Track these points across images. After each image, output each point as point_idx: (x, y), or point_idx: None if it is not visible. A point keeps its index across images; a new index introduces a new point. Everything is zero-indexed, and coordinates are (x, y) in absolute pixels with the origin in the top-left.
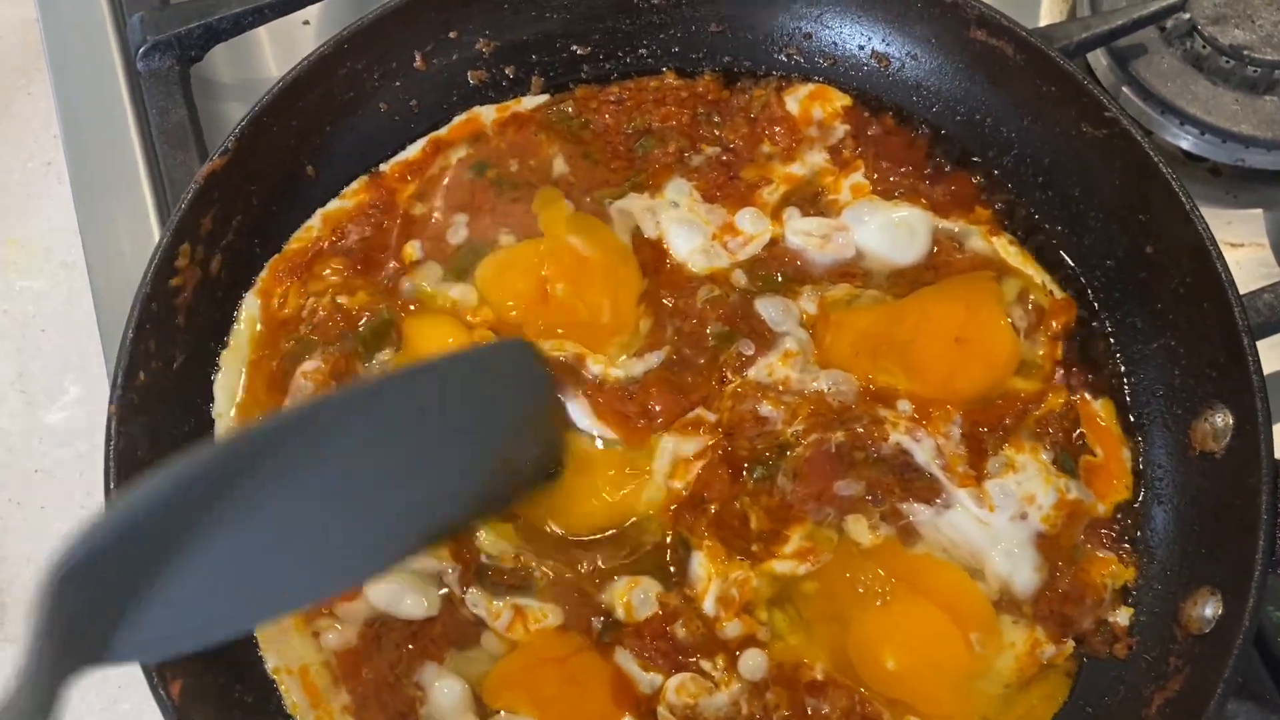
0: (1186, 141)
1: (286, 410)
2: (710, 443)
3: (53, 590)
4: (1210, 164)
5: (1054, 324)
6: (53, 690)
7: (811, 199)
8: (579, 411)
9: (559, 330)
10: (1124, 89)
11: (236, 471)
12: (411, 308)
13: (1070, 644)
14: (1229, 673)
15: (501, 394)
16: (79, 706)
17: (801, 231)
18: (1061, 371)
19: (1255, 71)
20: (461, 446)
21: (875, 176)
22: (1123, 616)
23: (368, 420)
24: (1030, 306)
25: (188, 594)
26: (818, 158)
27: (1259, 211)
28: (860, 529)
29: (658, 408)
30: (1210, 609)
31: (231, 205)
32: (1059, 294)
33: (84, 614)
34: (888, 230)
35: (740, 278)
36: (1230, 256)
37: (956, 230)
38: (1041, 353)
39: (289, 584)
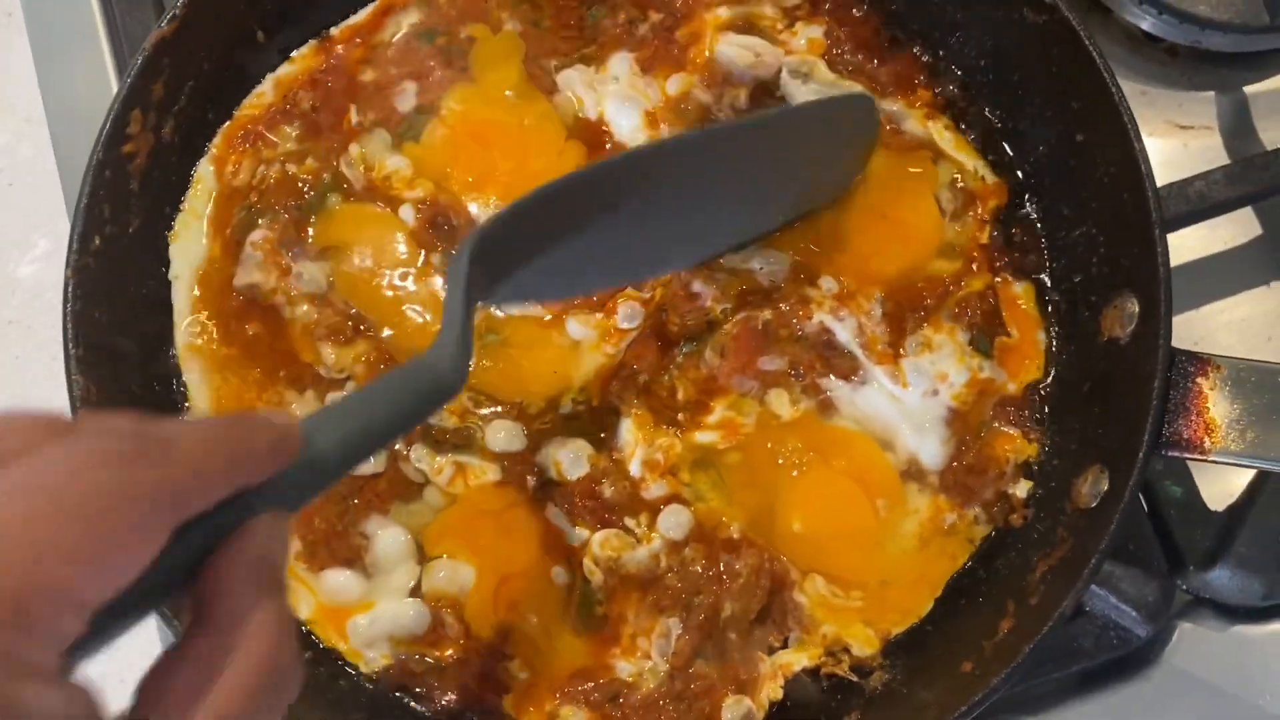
0: (1146, 21)
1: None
2: (641, 318)
3: (471, 252)
4: (1167, 44)
5: (983, 207)
6: (472, 341)
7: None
8: None
9: (502, 204)
10: None
11: (612, 182)
12: (351, 179)
13: (971, 511)
14: (1105, 544)
15: (836, 135)
16: None
17: (736, 44)
18: (986, 254)
19: None
20: (800, 175)
21: (829, 43)
22: (1021, 489)
23: (722, 155)
24: (960, 190)
25: (551, 267)
26: (767, 9)
27: (1212, 94)
28: (781, 402)
29: None
30: (1099, 485)
31: (182, 71)
32: (990, 178)
33: (485, 269)
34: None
35: None
36: (1179, 140)
37: (894, 110)
38: (968, 236)
39: (626, 269)
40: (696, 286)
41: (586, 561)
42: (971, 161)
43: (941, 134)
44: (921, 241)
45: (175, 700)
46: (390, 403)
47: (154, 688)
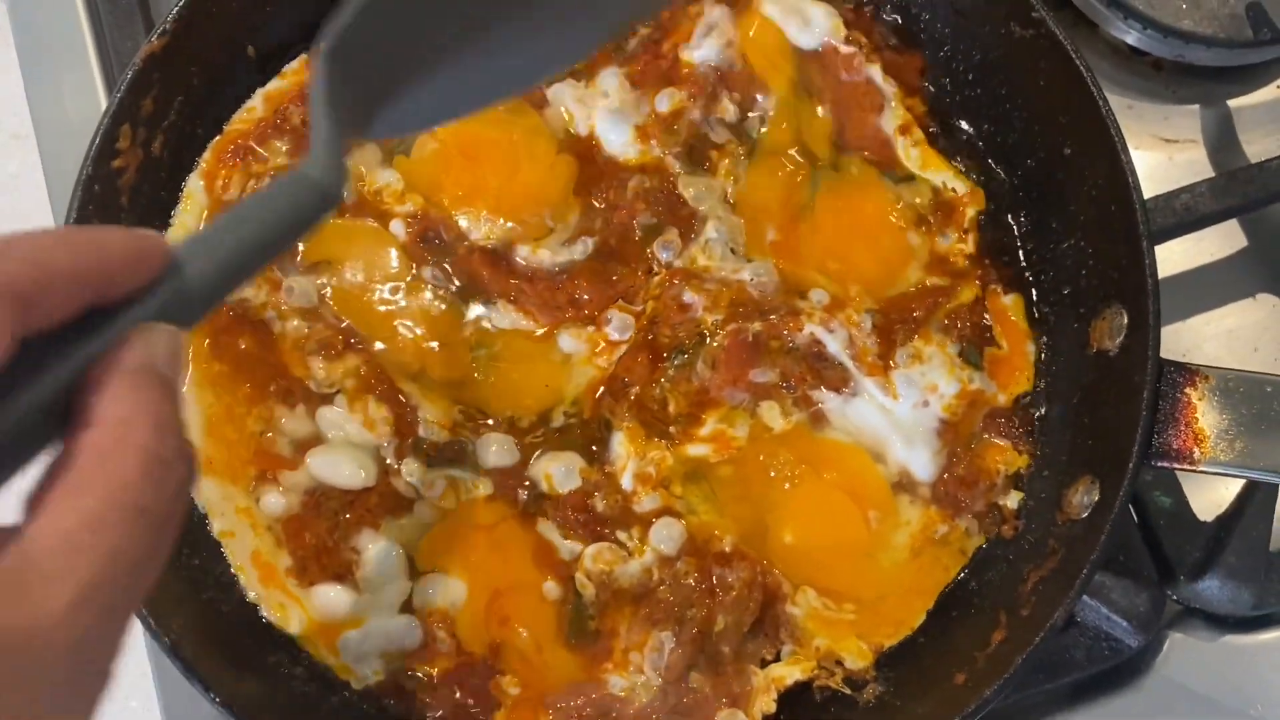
0: (1131, 36)
1: None
2: (633, 330)
3: (325, 61)
4: (1152, 58)
5: (963, 217)
6: (340, 148)
7: None
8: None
9: (492, 218)
10: None
11: None
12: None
13: (962, 523)
14: (1096, 554)
15: None
16: None
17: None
18: (974, 265)
19: None
20: None
21: None
22: (1012, 500)
23: None
24: (937, 202)
25: (420, 84)
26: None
27: (1196, 108)
28: (773, 414)
29: (585, 297)
30: (1089, 496)
31: (172, 87)
32: (963, 187)
33: (347, 93)
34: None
35: (673, 164)
36: (1164, 153)
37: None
38: (953, 246)
39: (486, 89)
40: (687, 297)
41: (578, 575)
42: (940, 176)
43: (908, 152)
44: (894, 258)
45: (49, 502)
46: (267, 216)
47: (36, 494)
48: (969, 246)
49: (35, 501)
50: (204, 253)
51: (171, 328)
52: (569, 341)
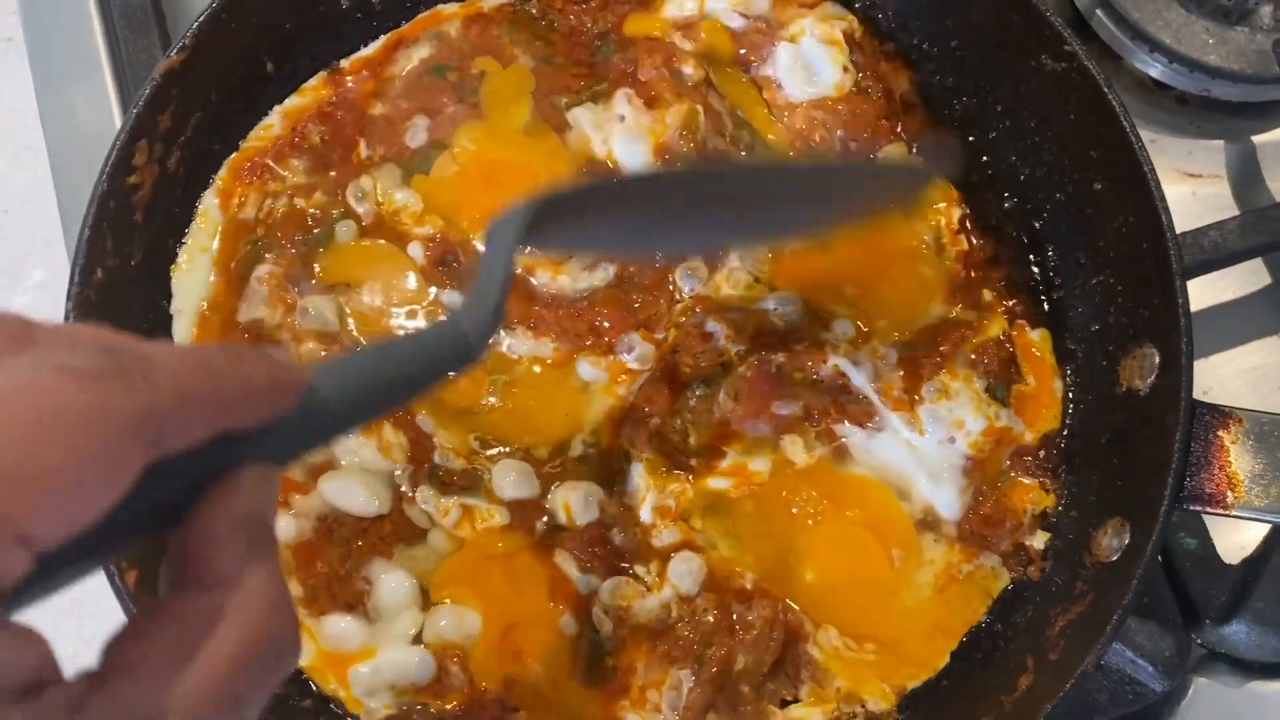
0: (1155, 69)
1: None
2: (653, 359)
3: (525, 221)
4: (1177, 92)
5: (951, 223)
6: (501, 303)
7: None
8: (527, 337)
9: None
10: (1097, 11)
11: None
12: (360, 213)
13: (988, 562)
14: (1128, 600)
15: (889, 193)
16: None
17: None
18: (1002, 299)
19: (1229, 0)
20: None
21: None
22: (1039, 541)
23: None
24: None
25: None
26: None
27: (1221, 143)
28: (796, 448)
29: (606, 324)
30: (1119, 539)
31: (190, 102)
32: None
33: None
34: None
35: None
36: (1188, 188)
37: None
38: (951, 262)
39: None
40: (710, 326)
41: (595, 610)
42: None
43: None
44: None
45: (152, 666)
46: (404, 359)
47: (127, 649)
48: (963, 243)
49: (122, 650)
50: (335, 382)
51: (274, 471)
52: (588, 370)
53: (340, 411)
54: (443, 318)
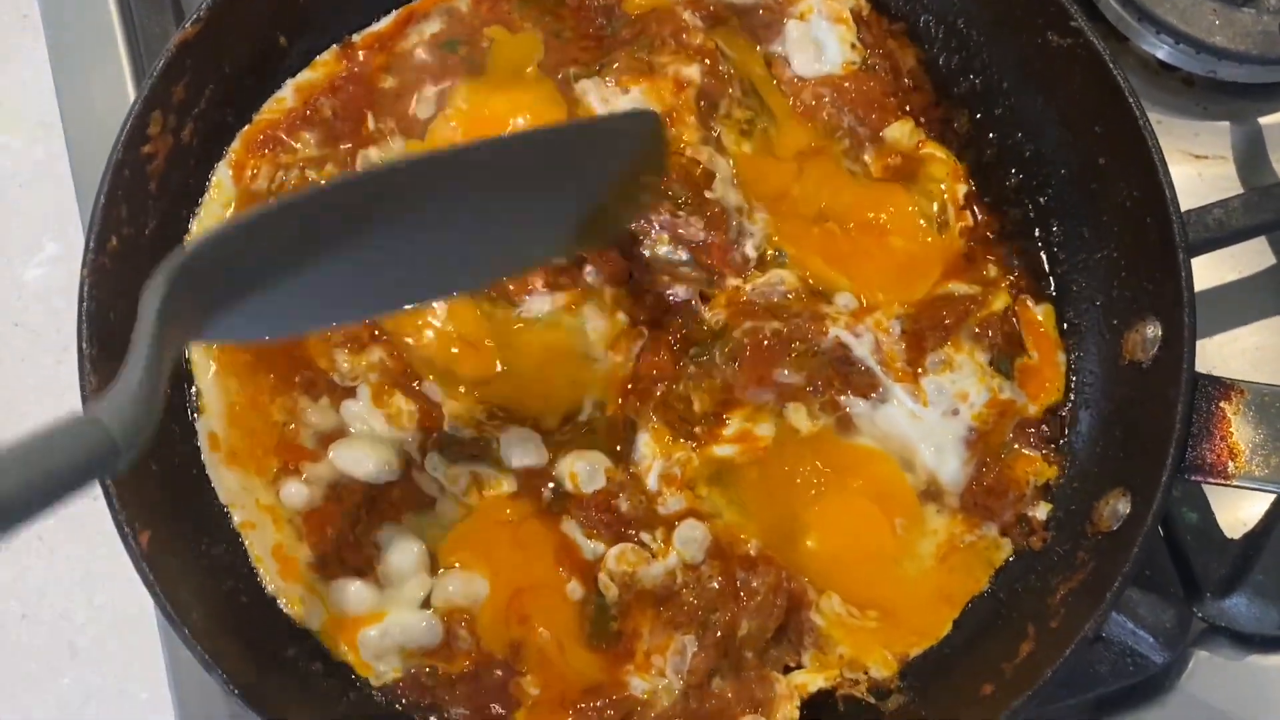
0: (1162, 50)
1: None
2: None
3: (169, 282)
4: (1183, 74)
5: (956, 199)
6: (163, 358)
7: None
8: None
9: None
10: None
11: (354, 203)
12: None
13: (990, 532)
14: (1128, 568)
15: (619, 154)
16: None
17: None
18: (1005, 273)
19: None
20: (569, 198)
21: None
22: (1041, 511)
23: (487, 173)
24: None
25: (278, 297)
26: None
27: (1226, 124)
28: (800, 416)
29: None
30: (1121, 508)
31: (204, 74)
32: (943, 168)
33: (194, 299)
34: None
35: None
36: (1193, 169)
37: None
38: (958, 232)
39: (368, 297)
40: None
41: (601, 576)
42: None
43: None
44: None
45: None
46: (26, 468)
47: None
48: (967, 219)
49: None
50: None
51: None
52: (594, 316)
53: None
54: (88, 410)
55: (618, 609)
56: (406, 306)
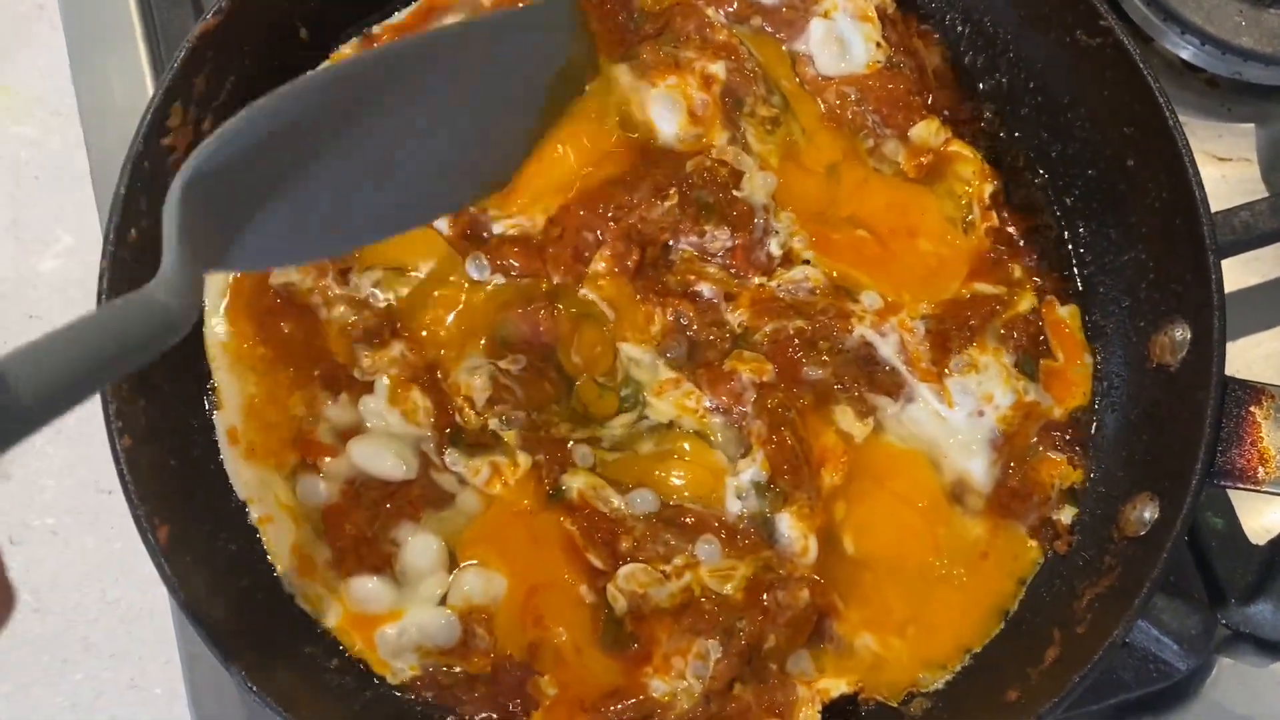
0: (1187, 51)
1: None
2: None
3: (181, 196)
4: (1208, 75)
5: (981, 195)
6: (193, 275)
7: None
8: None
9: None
10: None
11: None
12: None
13: (1018, 539)
14: (1157, 573)
15: (540, 48)
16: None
17: None
18: (1031, 274)
19: None
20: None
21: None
22: (1067, 515)
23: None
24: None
25: (279, 222)
26: None
27: (1251, 126)
28: (848, 419)
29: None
30: (1148, 513)
31: (225, 66)
32: (970, 168)
33: (204, 224)
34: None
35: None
36: (1217, 171)
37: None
38: (982, 237)
39: (362, 223)
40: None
41: (610, 589)
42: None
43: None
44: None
45: None
46: (98, 338)
47: None
48: (993, 219)
49: None
50: (30, 372)
51: None
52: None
53: (38, 400)
54: (137, 292)
55: (630, 620)
56: (406, 225)
